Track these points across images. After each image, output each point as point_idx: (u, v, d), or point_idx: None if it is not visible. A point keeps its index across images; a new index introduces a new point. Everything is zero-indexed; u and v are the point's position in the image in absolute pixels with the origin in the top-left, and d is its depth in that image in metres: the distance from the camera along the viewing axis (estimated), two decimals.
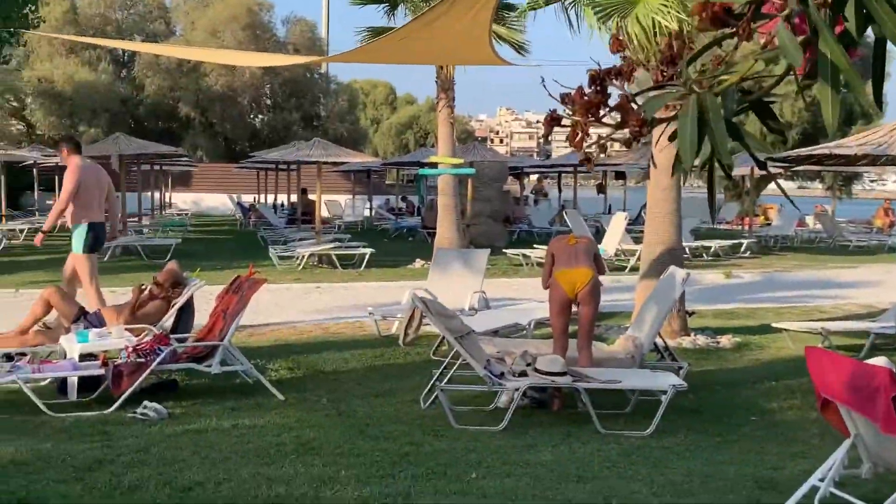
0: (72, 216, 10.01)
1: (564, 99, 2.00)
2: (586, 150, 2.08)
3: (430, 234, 24.24)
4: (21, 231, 23.39)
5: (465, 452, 6.26)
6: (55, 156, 22.72)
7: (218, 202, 40.58)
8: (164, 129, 46.22)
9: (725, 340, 10.90)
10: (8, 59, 30.33)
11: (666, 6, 9.96)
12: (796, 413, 7.90)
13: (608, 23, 10.49)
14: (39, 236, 10.38)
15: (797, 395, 8.34)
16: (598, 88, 1.93)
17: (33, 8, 22.65)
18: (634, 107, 1.96)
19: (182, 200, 40.53)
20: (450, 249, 12.50)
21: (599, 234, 20.93)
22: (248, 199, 36.65)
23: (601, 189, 31.74)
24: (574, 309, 7.98)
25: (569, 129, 2.10)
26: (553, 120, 2.11)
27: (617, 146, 3.54)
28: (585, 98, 1.62)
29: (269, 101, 51.88)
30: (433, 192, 27.06)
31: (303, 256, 17.96)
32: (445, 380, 7.51)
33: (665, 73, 2.13)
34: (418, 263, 18.69)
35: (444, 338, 8.39)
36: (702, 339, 10.81)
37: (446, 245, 18.30)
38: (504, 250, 19.82)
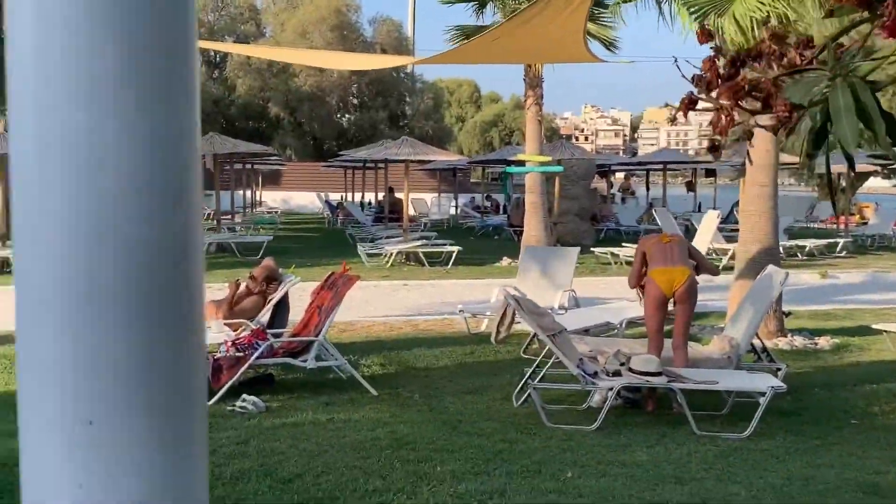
0: None
1: (699, 81, 1.93)
2: (714, 138, 2.03)
3: (516, 232, 24.20)
4: None
5: (560, 451, 6.25)
6: None
7: (307, 200, 41.16)
8: (254, 129, 47.21)
9: (823, 342, 10.63)
10: None
11: (763, 4, 9.78)
12: None
13: (703, 21, 10.36)
14: None
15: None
16: (735, 71, 1.86)
17: None
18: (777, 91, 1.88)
19: (272, 199, 41.23)
20: (539, 247, 12.46)
21: (689, 232, 20.59)
22: (335, 197, 37.10)
23: (691, 187, 31.30)
24: (669, 308, 7.88)
25: (704, 112, 2.06)
26: (691, 103, 2.07)
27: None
28: (732, 81, 1.54)
29: (356, 101, 52.50)
30: (519, 191, 27.04)
31: (391, 254, 18.11)
32: (538, 378, 7.49)
33: (804, 57, 1.96)
34: (505, 261, 18.68)
35: (534, 336, 8.38)
36: (799, 341, 10.57)
37: (534, 243, 18.24)
38: (592, 249, 19.66)
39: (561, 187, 21.29)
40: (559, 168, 18.54)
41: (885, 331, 10.51)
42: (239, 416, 7.05)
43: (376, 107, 50.97)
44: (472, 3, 17.84)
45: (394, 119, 52.41)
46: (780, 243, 17.99)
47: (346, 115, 52.76)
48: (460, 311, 10.96)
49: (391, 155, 18.79)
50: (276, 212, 35.60)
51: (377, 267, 17.81)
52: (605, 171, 31.35)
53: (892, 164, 25.38)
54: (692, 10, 10.28)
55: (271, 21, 51.85)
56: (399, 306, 13.26)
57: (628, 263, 18.09)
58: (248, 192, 34.15)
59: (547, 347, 7.39)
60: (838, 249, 21.26)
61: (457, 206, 33.64)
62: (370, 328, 11.36)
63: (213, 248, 19.56)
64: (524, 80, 17.75)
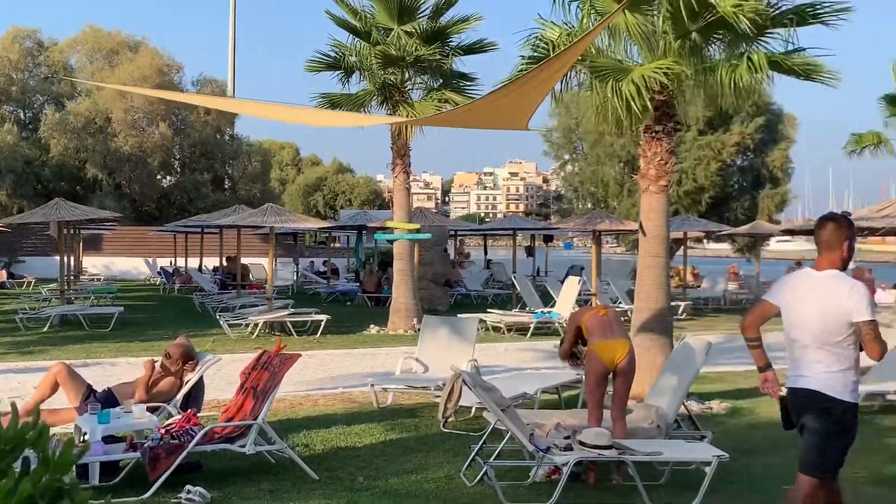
0: None
1: None
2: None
3: (370, 298, 24.09)
4: None
5: None
6: None
7: (130, 266, 39.47)
8: (68, 191, 44.86)
9: (716, 406, 11.08)
10: None
11: (658, 69, 10.29)
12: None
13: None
14: None
15: None
16: None
17: None
18: None
19: (92, 265, 39.22)
20: (437, 317, 12.42)
21: (546, 297, 21.12)
22: (161, 262, 35.74)
23: (530, 252, 32.21)
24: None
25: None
26: None
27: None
28: None
29: (178, 163, 51.07)
30: (374, 257, 26.99)
31: (256, 324, 17.56)
32: (494, 456, 7.41)
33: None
34: (374, 329, 18.49)
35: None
36: (695, 406, 10.96)
37: (403, 310, 18.21)
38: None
39: (418, 254, 21.39)
40: (428, 235, 18.65)
41: None
42: None
43: (200, 169, 49.77)
44: (338, 73, 17.85)
45: (217, 182, 51.30)
46: (625, 307, 18.75)
47: (168, 177, 51.18)
48: (371, 385, 10.74)
49: (256, 222, 18.31)
50: (100, 279, 33.85)
51: (243, 338, 17.21)
52: (453, 237, 31.79)
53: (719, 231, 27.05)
54: (597, 76, 10.68)
55: (89, 79, 49.83)
56: (287, 381, 12.79)
57: (496, 329, 18.37)
58: (72, 259, 32.34)
59: (495, 422, 7.33)
60: (680, 312, 22.30)
61: (297, 272, 33.11)
62: (273, 406, 10.89)
63: (56, 320, 18.33)
64: (392, 148, 17.84)
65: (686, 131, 33.33)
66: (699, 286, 29.69)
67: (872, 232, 9.13)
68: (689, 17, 10.09)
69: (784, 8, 10.62)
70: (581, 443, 7.38)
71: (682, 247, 29.13)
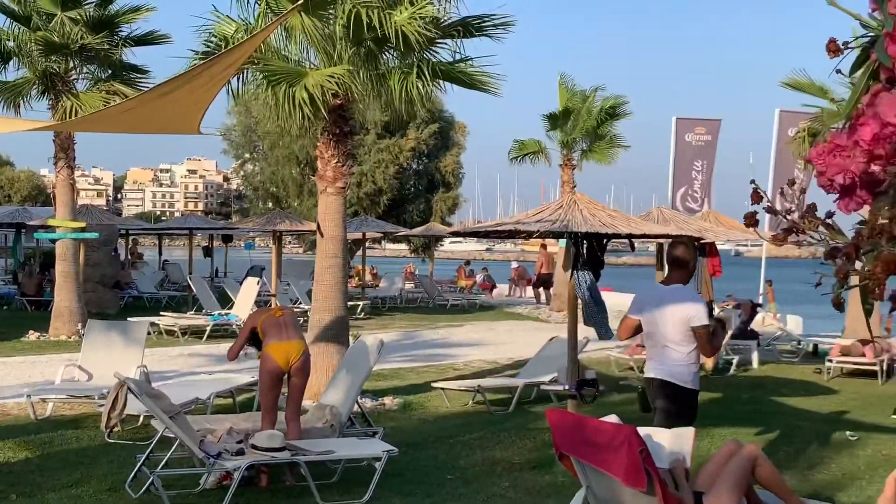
0: None
1: (835, 254, 1.80)
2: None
3: (29, 302, 22.37)
4: None
5: None
6: None
7: None
8: None
9: (389, 402, 11.40)
10: None
11: (332, 77, 10.43)
12: (482, 467, 8.51)
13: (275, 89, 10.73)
14: None
15: (476, 451, 9.01)
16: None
17: None
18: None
19: None
20: (104, 321, 11.73)
21: (224, 298, 20.71)
22: None
23: (208, 252, 31.43)
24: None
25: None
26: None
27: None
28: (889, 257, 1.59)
29: None
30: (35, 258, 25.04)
31: None
32: (161, 465, 7.12)
33: None
34: (33, 335, 17.14)
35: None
36: (369, 403, 11.20)
37: (66, 314, 17.10)
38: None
39: (84, 254, 20.12)
40: (95, 234, 17.59)
41: (442, 388, 11.59)
42: None
43: None
44: None
45: None
46: (305, 307, 18.86)
47: None
48: (28, 396, 9.94)
49: None
50: None
51: None
52: (124, 236, 30.21)
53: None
54: (271, 80, 10.61)
55: None
56: None
57: (169, 333, 17.69)
58: None
59: (163, 430, 7.07)
60: (358, 311, 22.74)
61: None
62: None
63: None
64: (54, 141, 16.66)
65: (366, 135, 34.07)
66: (377, 285, 30.46)
67: (530, 235, 9.80)
68: (364, 26, 10.29)
69: (453, 19, 11.12)
70: (253, 446, 7.31)
71: (362, 247, 29.79)
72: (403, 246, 42.42)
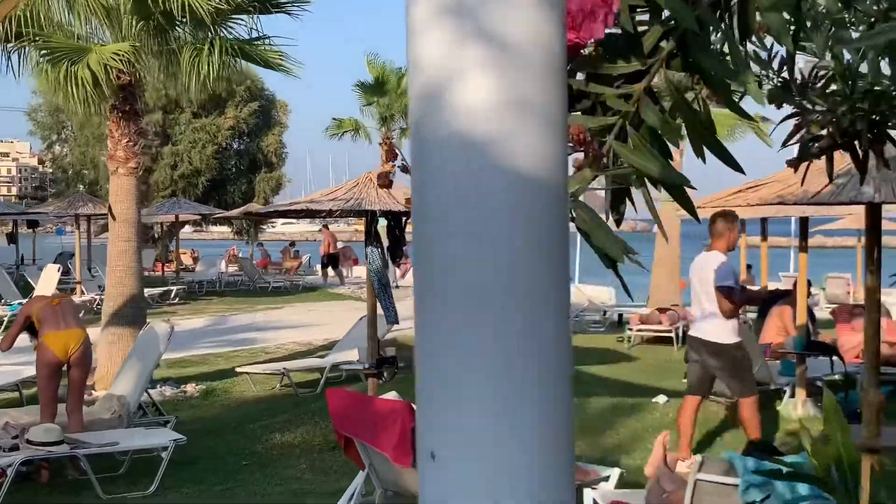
0: None
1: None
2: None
3: None
4: None
5: None
6: None
7: None
8: None
9: (191, 389, 11.13)
10: None
11: (118, 54, 10.03)
12: (280, 450, 8.45)
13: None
14: None
15: (276, 434, 8.92)
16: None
17: None
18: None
19: None
20: None
21: (28, 287, 19.67)
22: None
23: (12, 238, 29.77)
24: None
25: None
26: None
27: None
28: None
29: None
30: None
31: None
32: None
33: None
34: None
35: None
36: (169, 391, 10.90)
37: None
38: None
39: None
40: None
41: (247, 373, 11.39)
42: None
43: None
44: None
45: None
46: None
47: None
48: None
49: None
50: None
51: None
52: None
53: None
54: (49, 58, 10.08)
55: None
56: None
57: None
58: None
59: None
60: (172, 296, 22.06)
61: None
62: None
63: None
64: None
65: (180, 113, 32.97)
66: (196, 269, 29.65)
67: (330, 214, 9.74)
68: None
69: None
70: (29, 441, 6.98)
71: (176, 230, 28.87)
72: (227, 228, 41.47)
